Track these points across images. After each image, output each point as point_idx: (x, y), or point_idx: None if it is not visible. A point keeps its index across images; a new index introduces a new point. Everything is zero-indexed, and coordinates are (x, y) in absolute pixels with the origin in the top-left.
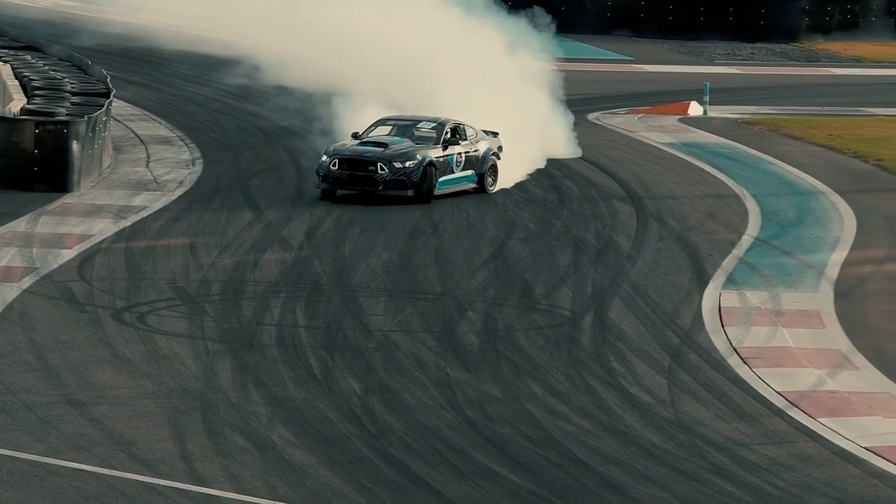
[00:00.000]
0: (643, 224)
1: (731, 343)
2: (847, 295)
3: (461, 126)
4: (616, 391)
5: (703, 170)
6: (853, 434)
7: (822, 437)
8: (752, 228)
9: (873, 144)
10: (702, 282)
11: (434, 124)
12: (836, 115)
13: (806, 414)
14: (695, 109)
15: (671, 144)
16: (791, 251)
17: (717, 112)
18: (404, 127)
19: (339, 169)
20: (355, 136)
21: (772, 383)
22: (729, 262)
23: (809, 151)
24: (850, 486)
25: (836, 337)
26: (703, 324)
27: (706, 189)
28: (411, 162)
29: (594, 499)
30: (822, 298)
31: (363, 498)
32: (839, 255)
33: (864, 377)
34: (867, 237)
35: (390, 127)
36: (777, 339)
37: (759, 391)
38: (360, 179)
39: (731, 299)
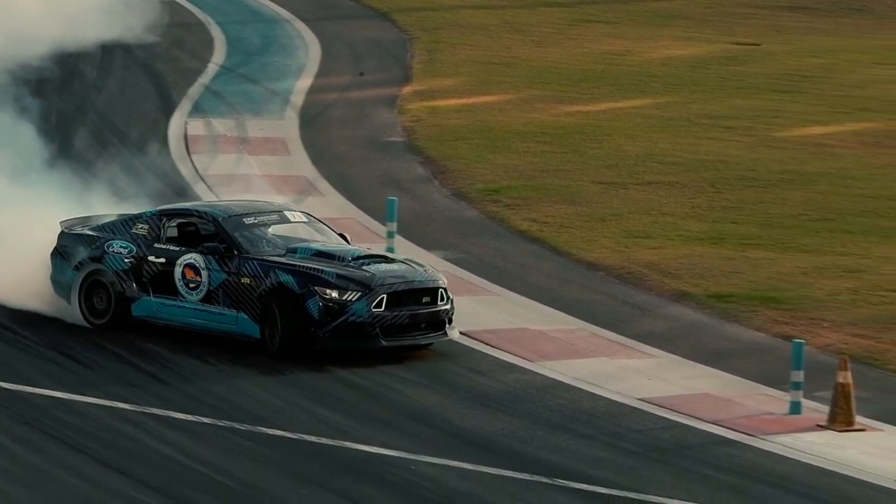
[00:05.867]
0: (109, 53)
1: (197, 170)
2: (312, 122)
3: None
4: None
5: None
6: None
7: None
8: (218, 56)
9: None
10: (168, 110)
11: (302, 213)
12: None
13: None
14: None
15: None
16: (257, 79)
17: None
18: (277, 220)
19: (390, 310)
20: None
21: None
22: (195, 91)
23: None
24: None
25: (301, 163)
26: (169, 152)
27: (171, 17)
28: (446, 283)
29: None
30: (288, 126)
31: None
32: (304, 83)
33: (329, 202)
34: (331, 64)
35: (257, 220)
36: (243, 166)
37: None
38: (425, 321)
39: (197, 127)
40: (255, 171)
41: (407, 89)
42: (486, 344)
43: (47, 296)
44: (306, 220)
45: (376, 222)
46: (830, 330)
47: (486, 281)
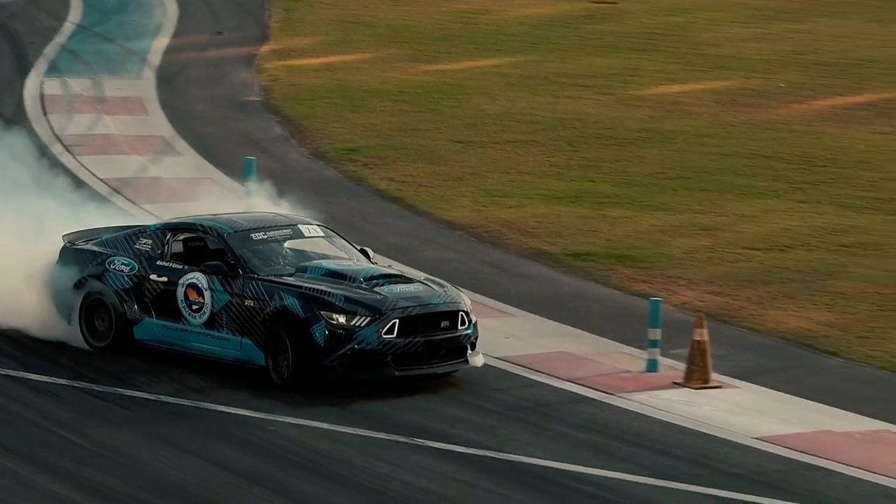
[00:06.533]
0: None
1: (53, 131)
2: (169, 81)
3: None
4: None
5: None
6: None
7: None
8: (74, 15)
9: None
10: (23, 70)
11: (319, 226)
12: None
13: (129, 200)
14: None
15: None
16: (114, 38)
17: None
18: (290, 235)
19: (403, 336)
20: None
21: (96, 171)
22: (51, 50)
23: None
24: None
25: (158, 123)
26: (25, 112)
27: None
28: (468, 305)
29: None
30: (145, 85)
31: None
32: (162, 42)
33: (186, 162)
34: (189, 23)
35: (267, 236)
36: (100, 126)
37: (83, 178)
38: (444, 348)
39: (53, 87)
40: (113, 130)
41: (265, 49)
42: None
43: (48, 315)
44: (323, 234)
45: (234, 182)
46: (687, 288)
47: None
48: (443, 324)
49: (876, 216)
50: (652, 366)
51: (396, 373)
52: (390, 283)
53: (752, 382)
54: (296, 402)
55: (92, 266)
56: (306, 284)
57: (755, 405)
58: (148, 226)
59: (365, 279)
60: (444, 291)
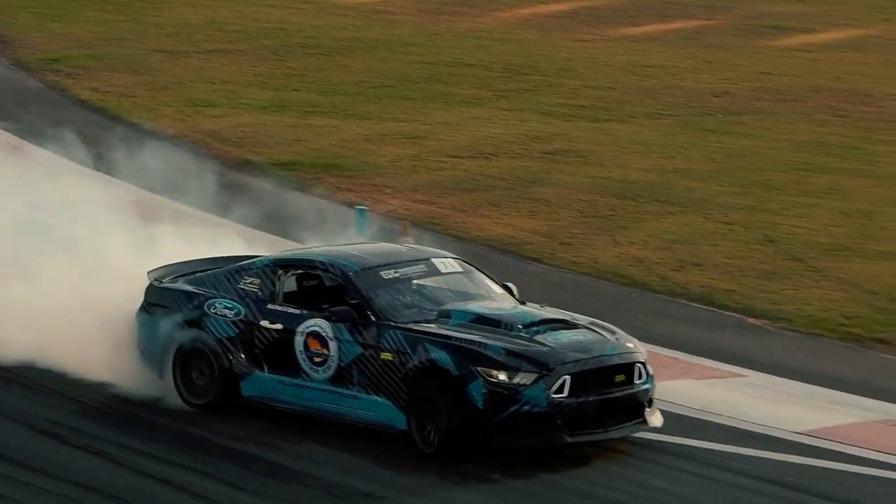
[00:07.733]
0: None
1: None
2: None
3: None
4: None
5: None
6: None
7: None
8: None
9: None
10: None
11: (454, 260)
12: None
13: None
14: None
15: None
16: None
17: None
18: (425, 272)
19: (575, 395)
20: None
21: None
22: None
23: None
24: None
25: None
26: None
27: None
28: (644, 355)
29: None
30: None
31: None
32: None
33: None
34: None
35: (399, 274)
36: None
37: None
38: (618, 406)
39: None
40: None
41: None
42: None
43: (133, 367)
44: (461, 269)
45: None
46: (392, 196)
47: (47, 151)
48: (618, 378)
49: (578, 123)
50: None
51: (569, 439)
52: (553, 330)
53: None
54: None
55: (187, 309)
56: (455, 334)
57: None
58: (255, 262)
59: (524, 326)
60: (616, 339)
